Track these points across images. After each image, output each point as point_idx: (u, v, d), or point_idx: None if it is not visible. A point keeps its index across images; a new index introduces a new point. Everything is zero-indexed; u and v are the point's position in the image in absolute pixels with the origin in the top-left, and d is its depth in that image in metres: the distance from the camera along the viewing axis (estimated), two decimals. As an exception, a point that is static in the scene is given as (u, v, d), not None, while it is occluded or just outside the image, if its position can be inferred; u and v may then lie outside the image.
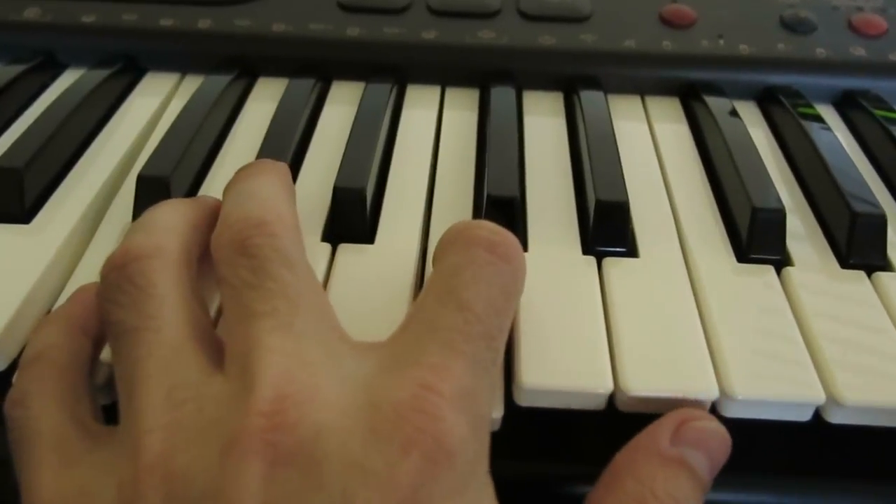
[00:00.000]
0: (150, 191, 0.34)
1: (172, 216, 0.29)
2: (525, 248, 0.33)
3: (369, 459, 0.21)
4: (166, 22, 0.45)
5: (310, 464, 0.21)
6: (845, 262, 0.33)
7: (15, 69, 0.43)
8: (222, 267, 0.26)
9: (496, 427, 0.27)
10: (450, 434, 0.21)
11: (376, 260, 0.32)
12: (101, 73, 0.43)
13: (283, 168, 0.32)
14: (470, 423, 0.22)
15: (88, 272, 0.31)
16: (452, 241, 0.27)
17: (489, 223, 0.27)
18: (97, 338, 0.27)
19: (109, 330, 0.25)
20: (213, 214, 0.30)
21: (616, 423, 0.27)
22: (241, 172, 0.31)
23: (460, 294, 0.25)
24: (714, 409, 0.27)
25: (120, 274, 0.25)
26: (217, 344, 0.25)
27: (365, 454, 0.21)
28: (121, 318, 0.25)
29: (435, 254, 0.28)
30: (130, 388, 0.23)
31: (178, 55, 0.45)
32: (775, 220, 0.33)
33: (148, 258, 0.26)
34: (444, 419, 0.21)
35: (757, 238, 0.33)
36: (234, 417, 0.21)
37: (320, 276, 0.31)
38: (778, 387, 0.27)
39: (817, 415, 0.27)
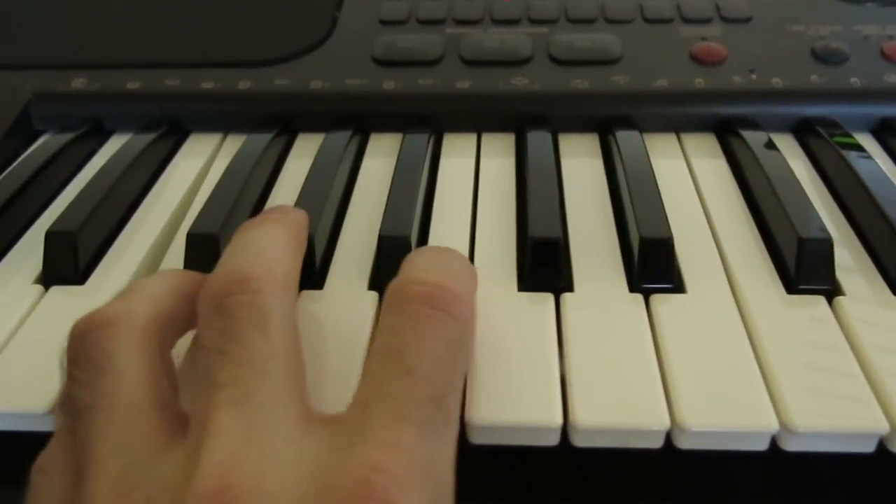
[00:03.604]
0: (200, 248, 0.34)
1: (158, 284, 0.27)
2: (571, 288, 0.33)
3: None
4: (208, 85, 0.47)
5: None
6: (897, 288, 0.32)
7: (64, 137, 0.45)
8: (200, 325, 0.25)
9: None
10: None
11: (423, 306, 0.32)
12: (147, 138, 0.44)
13: (294, 217, 0.30)
14: (429, 494, 0.21)
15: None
16: (390, 301, 0.25)
17: (431, 273, 0.25)
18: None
19: (65, 408, 0.24)
20: None
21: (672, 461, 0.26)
22: (248, 222, 0.29)
23: (403, 357, 0.23)
24: (773, 444, 0.27)
25: (79, 345, 0.24)
26: (180, 415, 0.24)
27: None
28: (75, 396, 0.23)
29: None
30: (83, 471, 0.22)
31: (220, 116, 0.47)
32: (823, 250, 0.33)
33: (109, 326, 0.24)
34: (397, 503, 0.20)
35: (805, 269, 0.32)
36: None
37: (367, 324, 0.31)
38: (839, 418, 0.27)
39: (881, 445, 0.27)
